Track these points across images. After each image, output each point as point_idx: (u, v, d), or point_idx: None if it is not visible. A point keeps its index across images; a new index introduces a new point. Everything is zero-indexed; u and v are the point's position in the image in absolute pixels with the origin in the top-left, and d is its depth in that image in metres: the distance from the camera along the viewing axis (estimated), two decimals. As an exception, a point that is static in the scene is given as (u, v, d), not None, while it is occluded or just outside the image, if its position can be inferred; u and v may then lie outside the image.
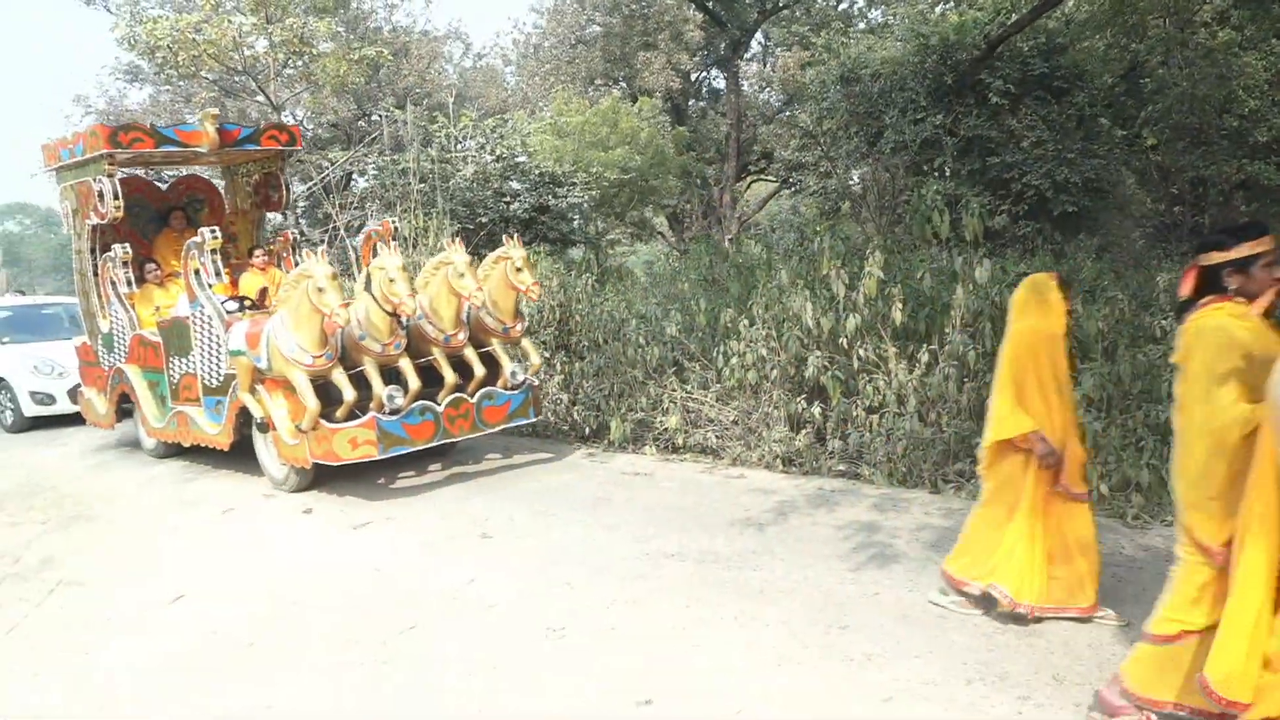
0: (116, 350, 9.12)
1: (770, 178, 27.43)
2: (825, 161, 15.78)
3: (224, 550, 6.20)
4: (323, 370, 6.87)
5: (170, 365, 8.42)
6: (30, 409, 11.64)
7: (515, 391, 7.68)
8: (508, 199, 14.97)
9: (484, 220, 14.41)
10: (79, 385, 10.27)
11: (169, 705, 4.08)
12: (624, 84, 24.38)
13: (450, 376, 7.35)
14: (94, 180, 8.46)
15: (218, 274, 7.86)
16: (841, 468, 6.95)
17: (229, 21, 16.12)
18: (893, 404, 6.77)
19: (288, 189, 10.11)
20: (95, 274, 9.09)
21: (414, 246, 11.28)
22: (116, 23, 17.15)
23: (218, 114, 9.11)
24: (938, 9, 19.98)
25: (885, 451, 6.68)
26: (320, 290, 6.54)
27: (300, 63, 17.65)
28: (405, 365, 7.15)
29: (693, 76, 25.93)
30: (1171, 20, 13.74)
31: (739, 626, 4.33)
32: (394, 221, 8.59)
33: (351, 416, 6.91)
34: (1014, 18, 12.84)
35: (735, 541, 5.53)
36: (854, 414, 6.93)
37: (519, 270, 7.53)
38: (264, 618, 4.90)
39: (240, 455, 7.94)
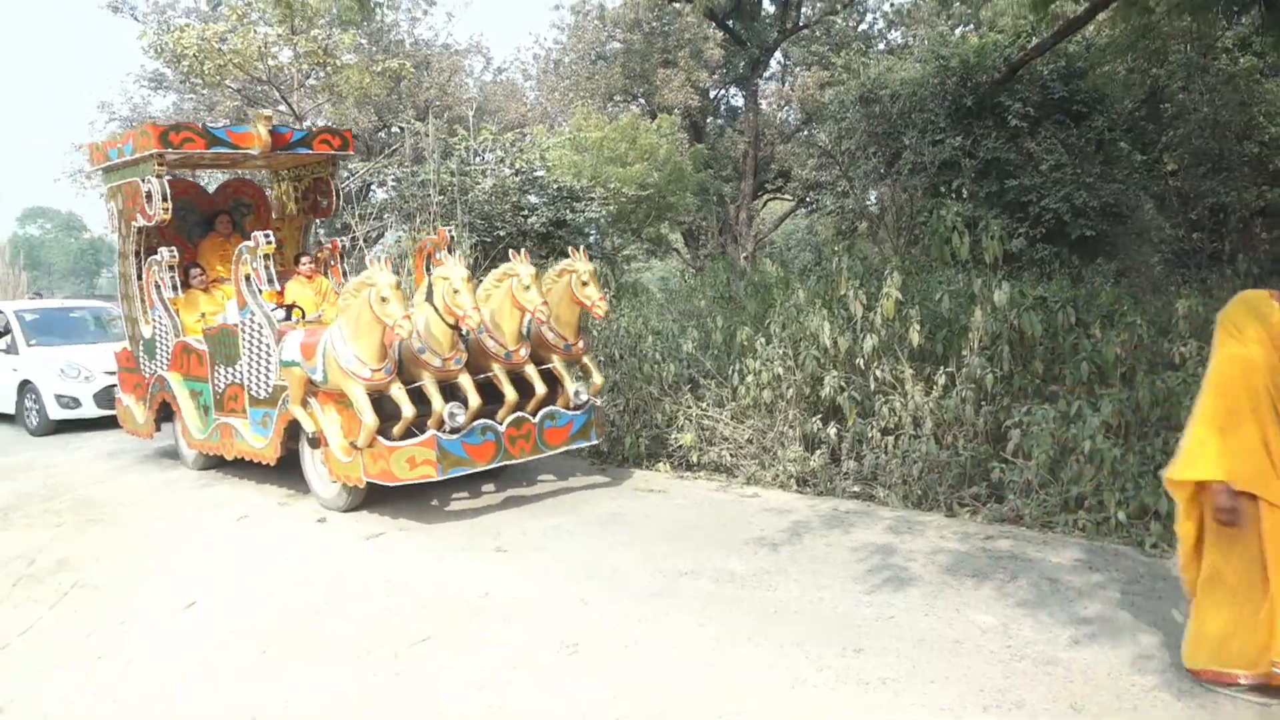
0: (159, 357, 8.85)
1: (787, 196, 27.48)
2: (843, 181, 15.79)
3: (237, 557, 6.22)
4: (381, 384, 6.57)
5: (215, 374, 8.17)
6: (56, 412, 11.55)
7: (578, 412, 7.36)
8: (526, 212, 15.03)
9: (502, 233, 14.46)
10: (114, 388, 10.09)
11: (179, 711, 4.09)
12: (643, 100, 24.50)
13: (511, 394, 7.02)
14: (143, 181, 8.29)
15: (270, 281, 7.54)
16: (856, 489, 6.92)
17: (254, 32, 16.29)
18: (909, 426, 6.75)
19: (338, 195, 9.85)
20: (139, 278, 8.86)
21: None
22: (144, 30, 17.37)
23: (271, 115, 8.85)
24: (958, 31, 20.05)
25: (901, 473, 6.65)
26: (384, 300, 6.24)
27: (323, 74, 17.82)
28: (465, 381, 6.86)
29: (711, 94, 26.02)
30: (1193, 46, 13.71)
31: (753, 646, 4.31)
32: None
33: (408, 434, 6.62)
34: (1034, 41, 12.85)
35: (750, 561, 5.51)
36: (869, 435, 6.91)
37: (585, 284, 7.19)
38: (276, 627, 4.90)
39: (255, 463, 7.95)
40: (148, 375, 9.08)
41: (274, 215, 10.22)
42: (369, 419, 6.47)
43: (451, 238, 8.31)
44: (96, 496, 8.11)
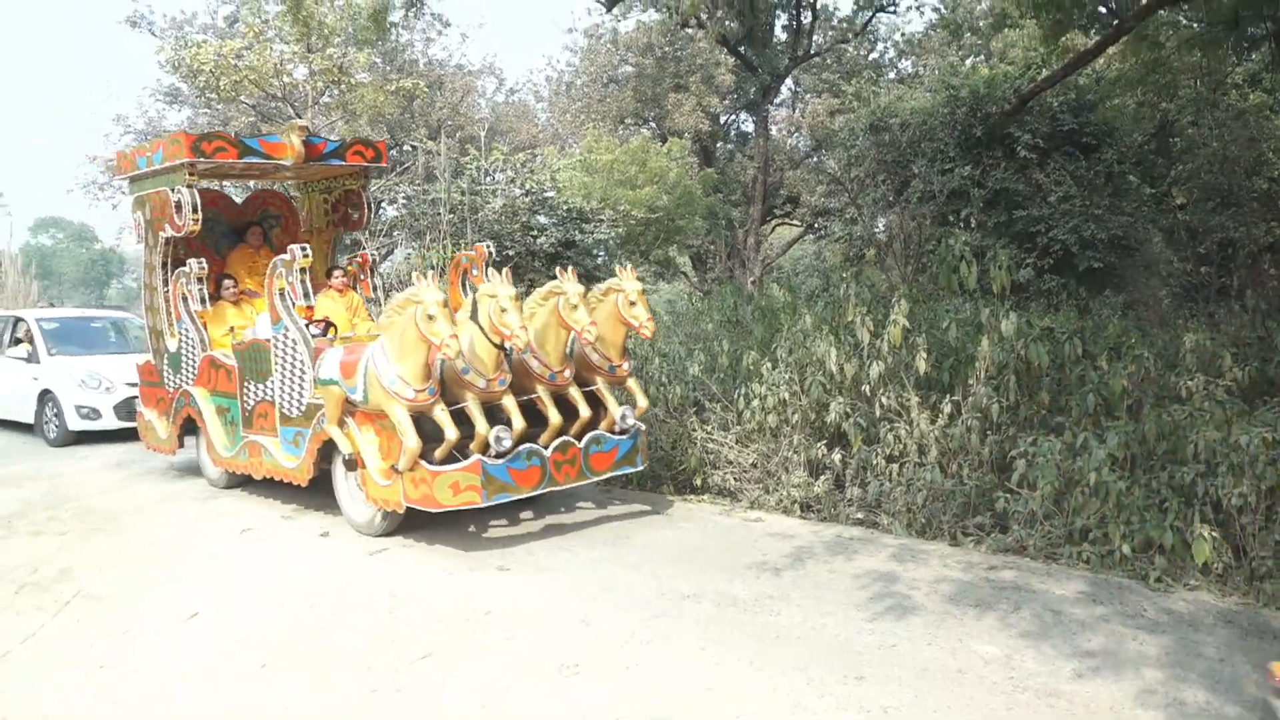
0: (184, 371, 8.57)
1: (795, 222, 27.58)
2: (852, 208, 15.84)
3: (242, 569, 6.23)
4: (425, 406, 6.30)
5: (245, 391, 7.92)
6: (75, 423, 11.35)
7: (623, 436, 7.08)
8: (535, 233, 15.10)
9: (511, 253, 14.53)
10: (135, 400, 9.90)
11: (179, 713, 4.10)
12: (654, 124, 24.66)
13: (555, 418, 6.77)
14: (172, 191, 8.13)
15: (306, 295, 7.31)
16: (860, 515, 6.91)
17: (270, 49, 16.49)
18: (914, 453, 6.74)
19: (369, 207, 9.66)
20: (165, 289, 8.63)
21: (441, 275, 11.32)
22: (162, 46, 17.59)
23: (305, 125, 8.68)
24: (968, 62, 20.20)
25: (905, 501, 6.65)
26: (430, 318, 5.99)
27: (337, 91, 18.01)
28: (509, 403, 6.59)
29: (722, 119, 26.20)
30: (1203, 81, 13.79)
31: (754, 670, 4.31)
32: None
33: (450, 458, 6.39)
34: (1045, 73, 12.93)
35: (752, 585, 5.50)
36: (874, 462, 6.90)
37: (633, 304, 6.98)
38: (278, 641, 4.91)
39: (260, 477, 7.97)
40: (172, 389, 8.81)
41: (303, 228, 10.06)
42: (412, 441, 6.22)
43: (490, 254, 8.13)
44: (102, 506, 8.13)
